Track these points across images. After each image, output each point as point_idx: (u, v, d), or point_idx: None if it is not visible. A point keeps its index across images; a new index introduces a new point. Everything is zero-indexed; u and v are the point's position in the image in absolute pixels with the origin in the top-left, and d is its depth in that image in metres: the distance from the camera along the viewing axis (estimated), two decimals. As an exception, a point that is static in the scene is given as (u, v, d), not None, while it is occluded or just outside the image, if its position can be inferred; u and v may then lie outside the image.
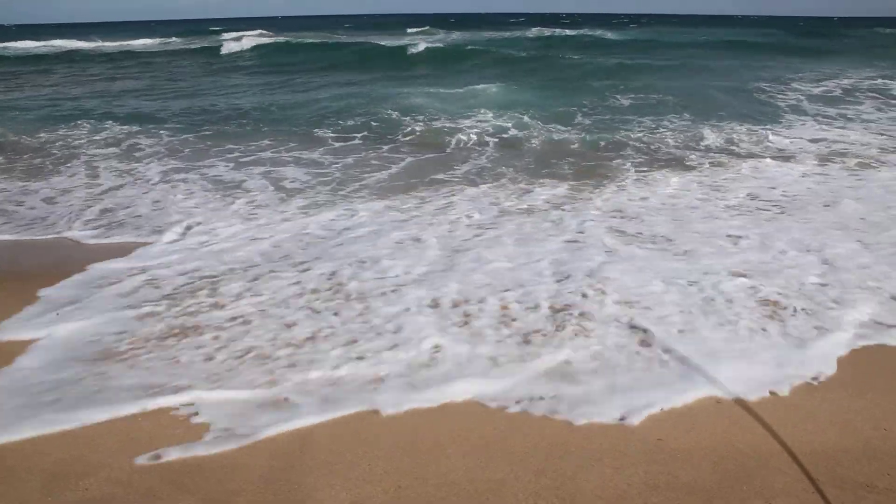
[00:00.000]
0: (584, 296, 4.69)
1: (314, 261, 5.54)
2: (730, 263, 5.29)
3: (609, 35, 39.42)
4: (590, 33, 40.27)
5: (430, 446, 3.13)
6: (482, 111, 13.36)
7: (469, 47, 27.86)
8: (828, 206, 7.00)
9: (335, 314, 4.50)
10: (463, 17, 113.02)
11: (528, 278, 5.04)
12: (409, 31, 51.07)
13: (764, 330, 4.18)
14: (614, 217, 6.67)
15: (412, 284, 4.98)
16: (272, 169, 9.09)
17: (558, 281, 4.98)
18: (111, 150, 10.46)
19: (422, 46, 26.89)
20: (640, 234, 6.14)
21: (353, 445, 3.13)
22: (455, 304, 4.60)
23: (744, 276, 5.02)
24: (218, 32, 45.83)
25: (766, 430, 3.14)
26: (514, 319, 4.36)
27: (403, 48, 26.84)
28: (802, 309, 4.44)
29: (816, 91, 16.64)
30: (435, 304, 4.61)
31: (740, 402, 3.39)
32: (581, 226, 6.37)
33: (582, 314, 4.40)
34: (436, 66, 22.90)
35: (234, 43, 30.11)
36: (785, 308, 4.46)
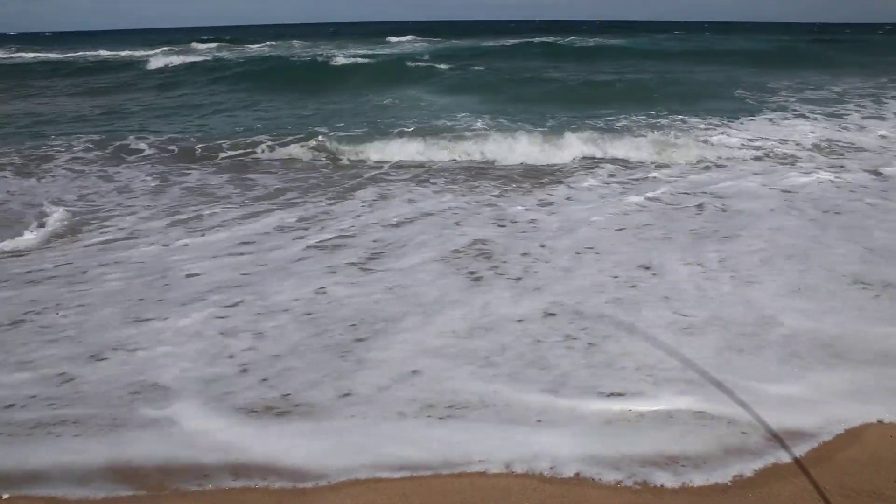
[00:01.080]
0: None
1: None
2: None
3: (607, 42, 39.33)
4: (584, 40, 40.04)
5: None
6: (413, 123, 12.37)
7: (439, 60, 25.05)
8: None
9: None
10: (467, 24, 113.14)
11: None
12: (391, 39, 49.11)
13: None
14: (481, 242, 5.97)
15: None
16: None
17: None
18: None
19: (348, 60, 23.63)
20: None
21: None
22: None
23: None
24: (195, 41, 43.95)
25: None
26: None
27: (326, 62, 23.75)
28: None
29: (802, 97, 16.45)
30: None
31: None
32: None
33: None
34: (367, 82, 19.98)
35: (164, 58, 27.80)
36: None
